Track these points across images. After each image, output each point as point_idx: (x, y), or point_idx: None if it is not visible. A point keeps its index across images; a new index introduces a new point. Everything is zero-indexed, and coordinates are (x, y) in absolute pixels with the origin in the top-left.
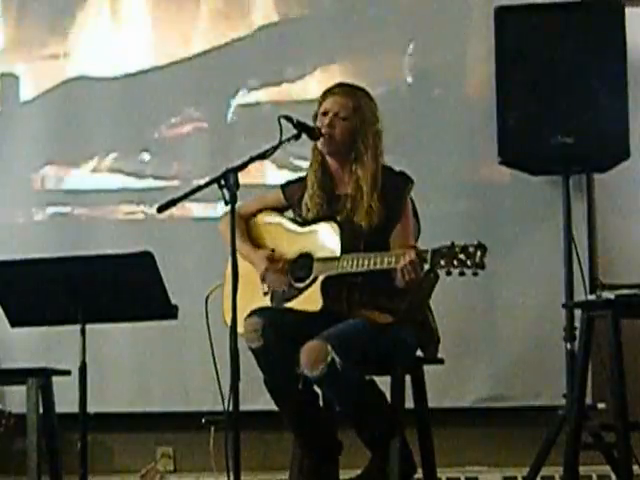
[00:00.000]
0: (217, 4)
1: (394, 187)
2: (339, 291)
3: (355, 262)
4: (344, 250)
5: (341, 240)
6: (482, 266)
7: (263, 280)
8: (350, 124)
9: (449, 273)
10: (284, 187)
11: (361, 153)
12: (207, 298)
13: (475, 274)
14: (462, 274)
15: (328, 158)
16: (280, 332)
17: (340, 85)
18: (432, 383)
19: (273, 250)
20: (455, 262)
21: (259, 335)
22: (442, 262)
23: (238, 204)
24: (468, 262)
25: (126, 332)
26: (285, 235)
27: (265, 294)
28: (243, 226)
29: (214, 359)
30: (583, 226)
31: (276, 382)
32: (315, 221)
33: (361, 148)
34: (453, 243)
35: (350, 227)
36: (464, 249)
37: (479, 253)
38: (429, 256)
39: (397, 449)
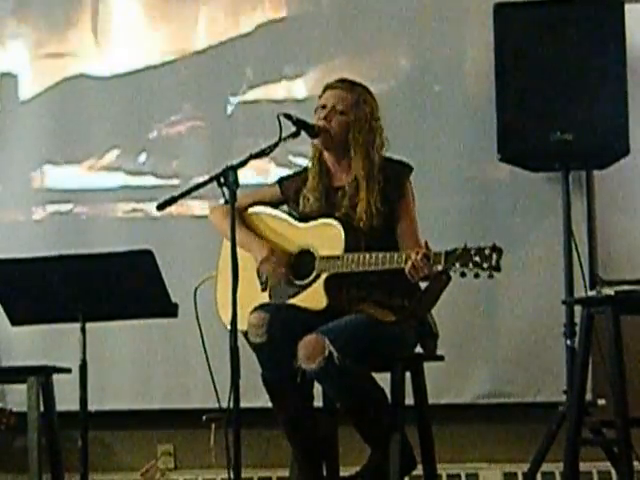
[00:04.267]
0: (216, 2)
1: (393, 175)
2: (341, 288)
3: (360, 261)
4: (347, 249)
5: (345, 238)
6: (498, 269)
7: (259, 273)
8: (347, 118)
9: (463, 275)
10: (280, 182)
11: (355, 148)
12: (196, 290)
13: (491, 276)
14: (477, 276)
15: (325, 153)
16: (285, 328)
17: (341, 80)
18: (432, 379)
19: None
20: (470, 264)
21: (264, 330)
22: (457, 264)
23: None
24: (484, 265)
25: (126, 330)
26: (284, 229)
27: (263, 290)
28: (239, 216)
29: (205, 352)
30: (583, 222)
31: (275, 378)
32: (316, 217)
33: (354, 143)
34: (466, 245)
35: (351, 224)
36: (479, 251)
37: (495, 256)
38: (443, 258)
39: (397, 445)
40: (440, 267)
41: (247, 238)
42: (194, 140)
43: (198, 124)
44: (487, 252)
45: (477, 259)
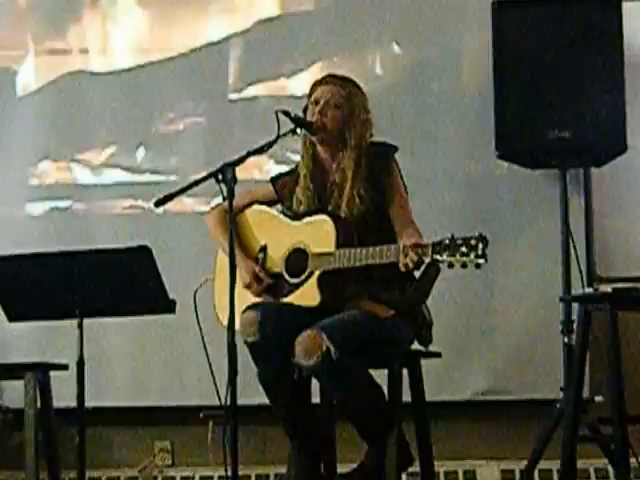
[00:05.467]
0: None
1: (378, 157)
2: (335, 285)
3: (352, 257)
4: (339, 244)
5: (336, 234)
6: (484, 258)
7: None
8: (341, 112)
9: (451, 266)
10: (274, 180)
11: (348, 141)
12: (195, 292)
13: (478, 266)
14: (464, 266)
15: (319, 148)
16: (277, 326)
17: (330, 76)
18: (429, 376)
19: (265, 246)
20: (457, 255)
21: (256, 329)
22: (444, 255)
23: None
24: (471, 254)
25: (124, 326)
26: (278, 229)
27: None
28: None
29: (206, 353)
30: (580, 220)
31: (270, 376)
32: (307, 214)
33: (348, 136)
34: (453, 235)
35: (342, 219)
36: (465, 241)
37: (481, 245)
38: (430, 250)
39: (394, 441)
40: (427, 258)
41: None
42: (192, 137)
43: (196, 121)
44: (473, 242)
45: (464, 249)
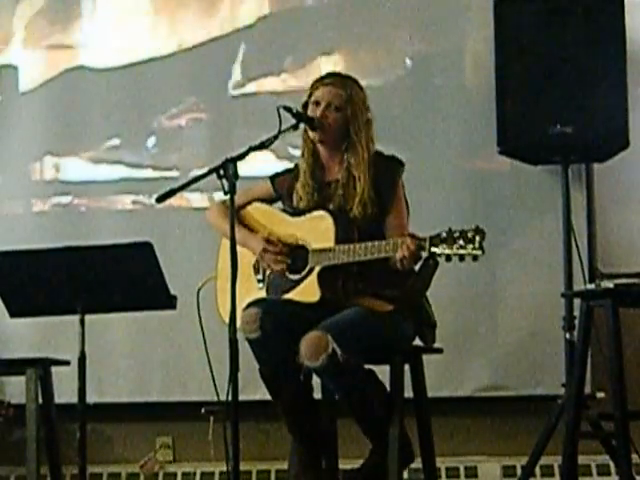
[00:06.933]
0: None
1: (386, 171)
2: (335, 281)
3: (351, 252)
4: (339, 240)
5: (335, 230)
6: (481, 250)
7: (256, 269)
8: (343, 114)
9: (449, 258)
10: (273, 178)
11: (354, 141)
12: (199, 291)
13: (475, 258)
14: (462, 259)
15: (319, 146)
16: (278, 322)
17: (331, 75)
18: (431, 372)
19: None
20: (454, 247)
21: (257, 326)
22: (441, 248)
23: (227, 197)
24: (468, 247)
25: (125, 322)
26: (278, 226)
27: (260, 289)
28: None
29: (206, 350)
30: (582, 215)
31: (272, 372)
32: (307, 211)
33: (354, 137)
34: (450, 229)
35: (343, 216)
36: (462, 234)
37: (478, 237)
38: (427, 243)
39: (396, 438)
40: (425, 252)
41: (243, 234)
42: (194, 132)
43: (198, 116)
44: (470, 235)
45: (461, 242)
